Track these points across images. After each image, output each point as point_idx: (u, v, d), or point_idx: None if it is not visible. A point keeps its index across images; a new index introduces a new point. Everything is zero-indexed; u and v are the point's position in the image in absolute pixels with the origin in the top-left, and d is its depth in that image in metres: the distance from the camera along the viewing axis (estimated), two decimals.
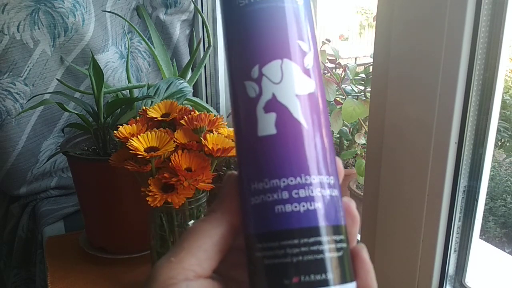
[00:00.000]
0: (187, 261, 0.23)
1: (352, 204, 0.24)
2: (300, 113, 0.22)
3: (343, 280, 0.22)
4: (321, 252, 0.21)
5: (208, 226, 0.24)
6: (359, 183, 0.77)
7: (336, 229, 0.22)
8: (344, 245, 0.22)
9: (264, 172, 0.22)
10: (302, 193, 0.22)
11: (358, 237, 0.59)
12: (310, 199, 0.22)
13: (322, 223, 0.22)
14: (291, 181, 0.22)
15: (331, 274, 0.21)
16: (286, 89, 0.22)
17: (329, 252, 0.21)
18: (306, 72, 0.23)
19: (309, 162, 0.22)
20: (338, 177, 0.24)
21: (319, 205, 0.22)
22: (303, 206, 0.22)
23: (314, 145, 0.22)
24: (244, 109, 0.23)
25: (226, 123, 0.54)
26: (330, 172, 0.23)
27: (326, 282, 0.21)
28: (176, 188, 0.47)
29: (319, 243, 0.21)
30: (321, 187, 0.22)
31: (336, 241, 0.22)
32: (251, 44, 0.23)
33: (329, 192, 0.22)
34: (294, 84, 0.22)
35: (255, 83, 0.22)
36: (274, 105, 0.22)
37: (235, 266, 0.25)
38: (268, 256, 0.22)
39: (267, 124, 0.22)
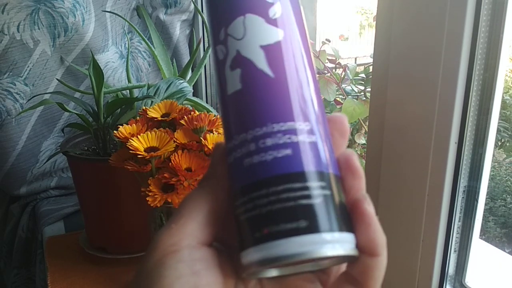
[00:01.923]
0: (188, 227, 0.22)
1: (353, 157, 0.22)
2: (265, 63, 0.22)
3: (322, 229, 0.20)
4: (291, 199, 0.20)
5: (204, 193, 0.23)
6: None
7: (311, 175, 0.21)
8: (325, 192, 0.21)
9: (233, 129, 0.22)
10: (269, 142, 0.21)
11: None
12: (277, 146, 0.21)
13: (291, 169, 0.21)
14: (257, 131, 0.21)
15: (305, 221, 0.20)
16: (249, 42, 0.22)
17: (302, 199, 0.20)
18: (272, 22, 0.22)
19: (276, 110, 0.21)
20: (327, 125, 0.22)
21: (288, 152, 0.21)
22: (270, 154, 0.21)
23: (282, 93, 0.21)
24: (217, 72, 0.23)
25: None
26: (304, 117, 0.22)
27: (298, 230, 0.20)
28: (176, 188, 0.47)
29: (288, 190, 0.20)
30: (290, 133, 0.21)
31: (312, 188, 0.20)
32: (218, 9, 0.23)
33: (301, 138, 0.21)
34: (257, 36, 0.22)
35: (223, 45, 0.22)
36: (239, 60, 0.22)
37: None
38: (242, 211, 0.21)
39: (234, 81, 0.22)
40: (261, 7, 0.22)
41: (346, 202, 0.22)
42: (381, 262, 0.21)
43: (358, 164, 0.22)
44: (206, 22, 0.24)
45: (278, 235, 0.20)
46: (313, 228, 0.20)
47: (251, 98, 0.22)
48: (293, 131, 0.21)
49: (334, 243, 0.20)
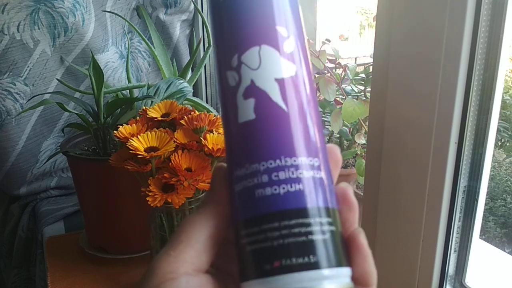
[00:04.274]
0: (187, 254, 0.22)
1: (349, 190, 0.24)
2: (280, 96, 0.22)
3: (330, 264, 0.21)
4: (302, 234, 0.21)
5: (203, 218, 0.23)
6: (359, 183, 0.77)
7: (320, 211, 0.21)
8: (332, 228, 0.21)
9: (244, 157, 0.22)
10: (282, 175, 0.21)
11: None
12: (290, 181, 0.21)
13: (303, 205, 0.21)
14: (270, 164, 0.21)
15: (315, 257, 0.20)
16: (264, 73, 0.22)
17: (312, 234, 0.21)
18: (286, 56, 0.23)
19: (289, 144, 0.22)
20: (328, 160, 0.23)
21: (300, 187, 0.21)
22: (283, 188, 0.21)
23: (295, 128, 0.22)
24: (227, 98, 0.23)
25: None
26: (314, 154, 0.22)
27: (309, 265, 0.20)
28: (176, 188, 0.47)
29: (300, 225, 0.21)
30: (302, 168, 0.22)
31: (321, 224, 0.21)
32: (230, 34, 0.23)
33: (311, 174, 0.22)
34: (272, 69, 0.22)
35: (235, 71, 0.22)
36: (253, 90, 0.22)
37: (232, 259, 0.24)
38: (251, 242, 0.21)
39: (246, 110, 0.22)
40: (276, 40, 0.23)
41: (343, 235, 0.23)
42: None
43: (354, 198, 0.24)
44: (213, 46, 0.24)
45: (287, 269, 0.20)
46: (321, 263, 0.21)
47: (265, 130, 0.22)
48: (305, 167, 0.22)
49: (335, 278, 0.21)
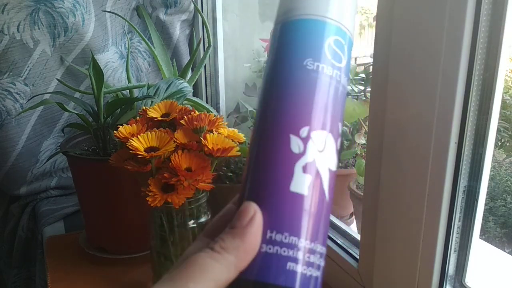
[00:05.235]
0: None
1: None
2: (327, 185, 0.24)
3: None
4: None
5: (217, 267, 0.22)
6: (359, 183, 0.77)
7: None
8: None
9: (287, 225, 0.23)
10: (312, 259, 0.23)
11: (358, 237, 0.59)
12: (316, 266, 0.23)
13: None
14: (308, 244, 0.23)
15: None
16: (325, 159, 0.24)
17: None
18: (337, 151, 0.25)
19: (322, 232, 0.24)
20: None
21: (319, 274, 0.23)
22: (310, 271, 0.23)
23: (327, 218, 0.24)
24: (282, 160, 0.24)
25: (226, 123, 0.54)
26: (325, 244, 0.25)
27: None
28: (176, 188, 0.47)
29: None
30: (323, 258, 0.24)
31: None
32: (311, 106, 0.24)
33: (323, 263, 0.24)
34: (330, 158, 0.24)
35: (302, 141, 0.24)
36: (312, 169, 0.24)
37: None
38: None
39: (302, 183, 0.23)
40: (337, 135, 0.25)
41: None
42: None
43: None
44: (285, 105, 0.25)
45: None
46: None
47: (313, 211, 0.23)
48: (324, 256, 0.24)
49: None
